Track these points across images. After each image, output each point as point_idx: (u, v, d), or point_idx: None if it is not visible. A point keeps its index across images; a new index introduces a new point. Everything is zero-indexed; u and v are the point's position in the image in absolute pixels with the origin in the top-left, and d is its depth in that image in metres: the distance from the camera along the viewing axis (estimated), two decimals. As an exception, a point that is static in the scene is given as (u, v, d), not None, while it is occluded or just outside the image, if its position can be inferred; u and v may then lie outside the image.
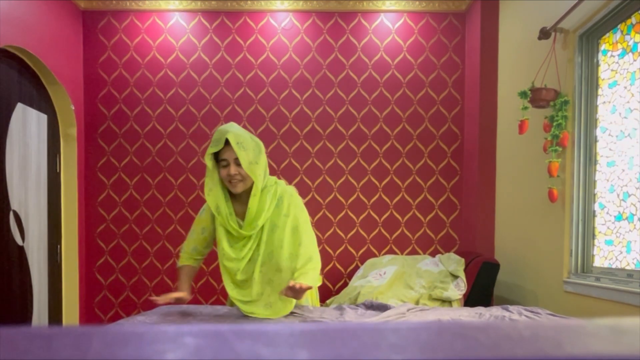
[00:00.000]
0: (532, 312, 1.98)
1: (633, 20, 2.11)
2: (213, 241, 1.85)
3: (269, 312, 1.71)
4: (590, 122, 2.38)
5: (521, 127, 2.56)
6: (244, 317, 1.78)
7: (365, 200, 3.67)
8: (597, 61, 2.36)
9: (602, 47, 2.33)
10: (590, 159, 2.38)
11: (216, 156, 1.69)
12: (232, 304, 1.89)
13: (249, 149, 1.61)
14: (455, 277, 2.80)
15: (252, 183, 1.66)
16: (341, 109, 3.65)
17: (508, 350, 0.28)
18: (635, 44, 2.10)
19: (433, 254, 3.56)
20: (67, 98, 3.35)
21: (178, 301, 1.70)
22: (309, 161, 3.64)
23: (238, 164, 1.61)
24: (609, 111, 2.26)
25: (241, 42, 3.63)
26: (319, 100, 3.65)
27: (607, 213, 2.28)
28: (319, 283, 1.79)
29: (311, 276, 1.65)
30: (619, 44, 2.21)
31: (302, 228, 1.72)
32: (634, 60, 2.10)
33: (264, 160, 1.68)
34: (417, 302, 2.68)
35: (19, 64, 2.97)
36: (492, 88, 3.32)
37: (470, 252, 3.18)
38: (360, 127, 3.66)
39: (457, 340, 0.29)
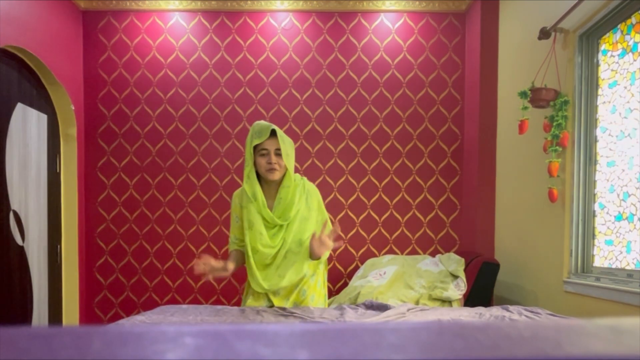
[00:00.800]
0: (532, 312, 1.98)
1: (633, 20, 2.11)
2: None
3: (280, 281, 1.86)
4: (590, 122, 2.38)
5: (521, 127, 2.56)
6: (242, 313, 1.78)
7: (365, 200, 3.67)
8: (597, 61, 2.36)
9: (602, 47, 2.33)
10: (590, 159, 2.38)
11: (254, 148, 1.84)
12: (256, 298, 1.95)
13: (286, 143, 1.81)
14: (455, 277, 2.80)
15: (284, 175, 1.83)
16: (341, 109, 3.65)
17: (508, 350, 0.28)
18: (635, 44, 2.10)
19: (433, 254, 3.56)
20: (67, 98, 3.35)
21: (220, 271, 1.81)
22: (309, 161, 3.64)
23: (277, 154, 1.79)
24: (609, 111, 2.26)
25: (241, 42, 3.63)
26: (319, 100, 3.65)
27: (607, 213, 2.28)
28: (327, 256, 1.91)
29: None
30: (619, 44, 2.21)
31: (327, 222, 1.91)
32: (634, 60, 2.10)
33: (294, 155, 1.89)
34: (417, 302, 2.68)
35: (19, 64, 2.97)
36: (492, 88, 3.32)
37: (470, 252, 3.18)
38: (360, 127, 3.66)
39: (457, 340, 0.29)
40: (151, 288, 3.65)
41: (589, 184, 2.39)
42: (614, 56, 2.24)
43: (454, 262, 2.90)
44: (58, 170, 3.40)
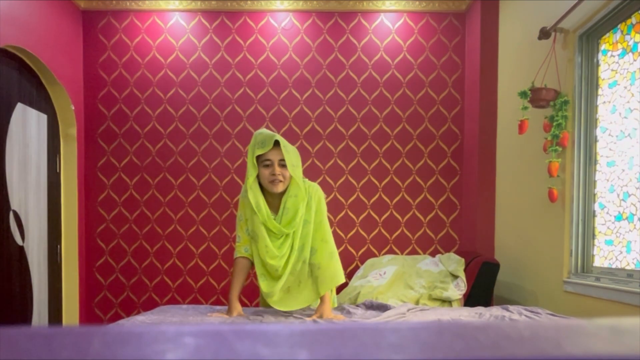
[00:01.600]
0: (532, 312, 1.98)
1: (633, 20, 2.11)
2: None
3: (286, 296, 1.86)
4: (590, 122, 2.38)
5: (521, 127, 2.56)
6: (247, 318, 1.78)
7: (365, 200, 3.67)
8: (597, 61, 2.36)
9: (602, 47, 2.33)
10: (590, 159, 2.38)
11: (256, 158, 1.80)
12: (267, 305, 1.98)
13: (291, 153, 1.77)
14: (455, 277, 2.80)
15: (289, 184, 1.80)
16: (341, 109, 3.65)
17: (508, 350, 0.28)
18: (635, 44, 2.10)
19: (433, 254, 3.56)
20: (67, 98, 3.35)
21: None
22: (309, 161, 3.64)
23: (281, 165, 1.75)
24: (609, 111, 2.26)
25: (241, 42, 3.63)
26: (319, 100, 3.65)
27: (607, 213, 2.28)
28: (343, 280, 1.90)
29: (331, 274, 1.84)
30: (619, 44, 2.21)
31: (324, 223, 1.89)
32: (634, 60, 2.10)
33: (301, 164, 1.86)
34: (417, 302, 2.68)
35: (19, 64, 2.97)
36: (492, 88, 3.32)
37: (470, 252, 3.18)
38: (360, 127, 3.66)
39: (457, 340, 0.29)
40: (151, 288, 3.65)
41: (589, 184, 2.39)
42: (614, 56, 2.24)
43: (454, 262, 2.90)
44: (58, 170, 3.40)
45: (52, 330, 0.30)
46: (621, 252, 2.17)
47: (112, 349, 0.27)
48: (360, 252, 3.67)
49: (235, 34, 3.62)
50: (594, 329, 0.34)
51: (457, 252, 3.37)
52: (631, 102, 2.11)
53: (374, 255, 3.65)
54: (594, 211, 2.37)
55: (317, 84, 3.64)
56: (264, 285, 1.84)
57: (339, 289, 3.64)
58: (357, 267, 3.58)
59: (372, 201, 3.67)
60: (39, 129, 3.15)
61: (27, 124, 3.01)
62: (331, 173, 3.66)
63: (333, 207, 3.65)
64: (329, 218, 3.68)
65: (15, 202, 2.88)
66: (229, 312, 1.82)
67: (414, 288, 2.81)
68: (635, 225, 2.08)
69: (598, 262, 2.35)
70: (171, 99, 3.63)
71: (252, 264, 1.90)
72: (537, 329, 0.32)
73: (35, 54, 2.97)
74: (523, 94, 2.49)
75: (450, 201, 3.68)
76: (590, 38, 2.37)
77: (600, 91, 2.34)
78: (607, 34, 2.28)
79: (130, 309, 3.64)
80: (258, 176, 1.79)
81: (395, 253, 3.66)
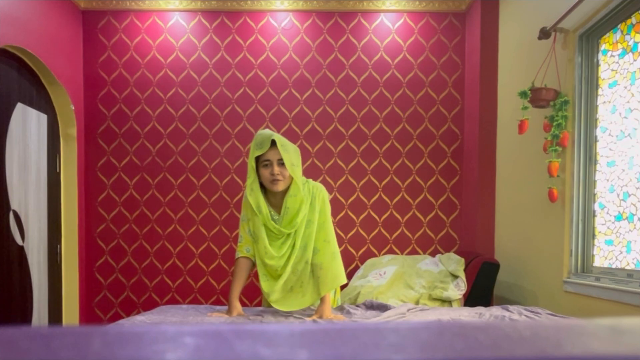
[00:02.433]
0: (532, 312, 1.98)
1: (633, 20, 2.11)
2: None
3: (288, 296, 1.86)
4: (590, 122, 2.38)
5: (521, 127, 2.56)
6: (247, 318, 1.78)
7: (365, 200, 3.67)
8: (597, 61, 2.36)
9: (602, 47, 2.33)
10: (590, 159, 2.38)
11: (256, 158, 1.80)
12: (269, 305, 1.98)
13: (290, 152, 1.76)
14: (455, 277, 2.80)
15: (290, 183, 1.80)
16: (341, 109, 3.65)
17: (508, 350, 0.28)
18: (635, 43, 2.10)
19: (433, 254, 3.56)
20: (67, 98, 3.35)
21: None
22: (309, 161, 3.64)
23: (280, 165, 1.75)
24: (609, 111, 2.26)
25: (241, 42, 3.63)
26: (319, 100, 3.65)
27: (607, 213, 2.28)
28: (345, 281, 1.89)
29: (333, 275, 1.83)
30: (619, 44, 2.21)
31: (327, 224, 1.88)
32: (634, 60, 2.10)
33: (301, 163, 1.84)
34: (417, 302, 2.68)
35: (19, 64, 2.97)
36: (492, 88, 3.32)
37: (470, 252, 3.18)
38: (360, 127, 3.66)
39: (457, 340, 0.29)
40: (151, 288, 3.65)
41: (589, 184, 2.39)
42: (614, 56, 2.24)
43: (454, 262, 2.90)
44: (58, 170, 3.40)
45: (52, 330, 0.30)
46: (621, 252, 2.17)
47: (112, 349, 0.27)
48: (360, 252, 3.67)
49: (235, 34, 3.63)
50: (594, 329, 0.34)
51: (457, 252, 3.38)
52: (631, 102, 2.11)
53: (374, 255, 3.65)
54: (594, 211, 2.37)
55: (317, 84, 3.64)
56: (264, 285, 1.85)
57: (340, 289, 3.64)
58: (357, 267, 3.58)
59: (372, 201, 3.67)
60: (39, 128, 3.15)
61: (27, 124, 3.01)
62: (331, 173, 3.66)
63: (333, 207, 3.65)
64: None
65: (15, 202, 2.88)
66: (229, 312, 1.83)
67: (414, 288, 2.82)
68: (635, 225, 2.08)
69: (598, 262, 2.35)
70: (171, 99, 3.63)
71: (253, 264, 1.91)
72: (537, 329, 0.32)
73: (35, 54, 2.97)
74: (523, 94, 2.49)
75: (450, 201, 3.68)
76: (590, 38, 2.37)
77: (600, 91, 2.34)
78: (607, 34, 2.28)
79: (130, 309, 3.64)
80: (260, 177, 1.80)
81: (395, 253, 3.66)
